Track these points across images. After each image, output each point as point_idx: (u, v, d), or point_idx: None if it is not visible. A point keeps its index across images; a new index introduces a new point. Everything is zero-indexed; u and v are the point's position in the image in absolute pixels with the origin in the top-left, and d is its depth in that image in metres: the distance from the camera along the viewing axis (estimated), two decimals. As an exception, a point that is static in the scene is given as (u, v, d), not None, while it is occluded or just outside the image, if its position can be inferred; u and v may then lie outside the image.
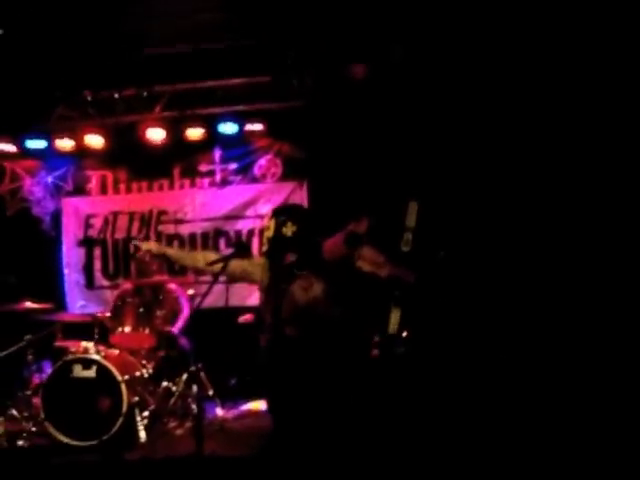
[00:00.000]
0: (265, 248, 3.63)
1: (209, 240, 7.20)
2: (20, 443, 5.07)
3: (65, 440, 5.00)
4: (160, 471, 4.65)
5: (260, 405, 6.23)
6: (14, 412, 5.45)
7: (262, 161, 7.19)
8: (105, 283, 7.38)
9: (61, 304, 7.05)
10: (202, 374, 5.87)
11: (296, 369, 3.47)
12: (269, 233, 3.59)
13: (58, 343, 5.73)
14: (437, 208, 4.77)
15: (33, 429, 5.16)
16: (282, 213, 3.67)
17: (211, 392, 5.86)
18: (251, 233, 7.14)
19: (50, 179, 7.52)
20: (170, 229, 7.29)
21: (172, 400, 5.69)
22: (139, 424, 5.13)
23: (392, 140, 6.20)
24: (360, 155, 6.43)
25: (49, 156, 7.39)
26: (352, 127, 6.44)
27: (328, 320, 3.49)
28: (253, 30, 6.19)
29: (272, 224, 3.59)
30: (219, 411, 5.86)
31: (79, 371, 5.11)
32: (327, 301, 3.52)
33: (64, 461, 4.76)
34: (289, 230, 3.54)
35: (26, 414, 5.39)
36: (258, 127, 6.94)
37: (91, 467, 4.71)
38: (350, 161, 6.54)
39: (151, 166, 7.34)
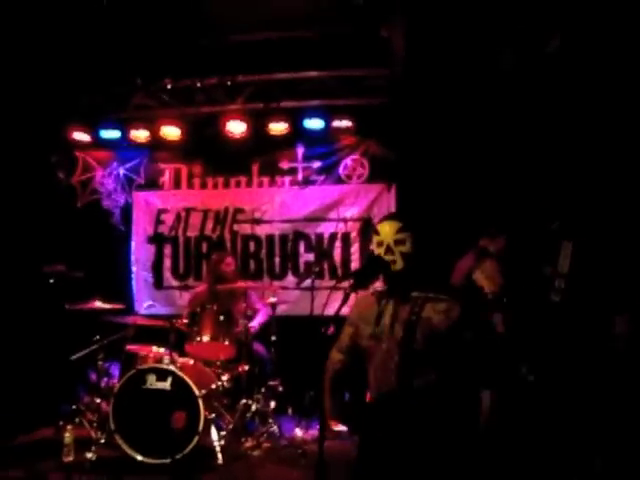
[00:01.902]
0: (400, 266, 3.04)
1: (288, 243, 6.74)
2: (89, 455, 4.63)
3: (136, 456, 4.57)
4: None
5: (338, 425, 5.73)
6: (82, 419, 5.05)
7: (348, 161, 6.71)
8: (174, 283, 6.96)
9: (128, 302, 6.67)
10: (281, 389, 5.41)
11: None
12: (405, 249, 2.99)
13: (128, 347, 5.30)
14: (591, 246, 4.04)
15: (102, 440, 4.73)
16: (414, 227, 3.12)
17: (290, 410, 5.38)
18: (333, 237, 6.66)
19: (122, 171, 7.17)
20: (246, 229, 6.84)
21: (249, 416, 5.24)
22: (215, 443, 4.66)
23: (506, 145, 5.58)
24: (459, 160, 5.87)
25: (122, 147, 7.05)
26: (452, 127, 5.88)
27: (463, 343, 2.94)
28: (346, 19, 5.70)
29: (408, 238, 3.01)
30: (297, 431, 5.38)
31: (153, 381, 4.68)
32: (464, 324, 2.96)
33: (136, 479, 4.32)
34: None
35: (94, 422, 4.99)
36: (346, 124, 6.50)
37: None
38: (446, 165, 6.01)
39: (229, 161, 6.91)
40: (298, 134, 6.63)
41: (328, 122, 6.45)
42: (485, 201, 5.60)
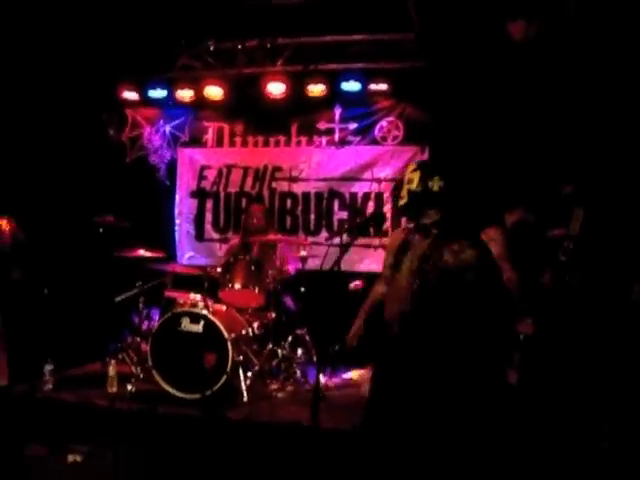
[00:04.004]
0: (404, 201, 3.34)
1: (323, 201, 7.01)
2: (129, 387, 5.11)
3: (170, 390, 4.99)
4: (261, 434, 4.56)
5: (362, 375, 6.07)
6: (124, 356, 5.53)
7: (383, 123, 6.88)
8: (215, 236, 7.35)
9: (171, 253, 7.10)
10: (307, 338, 5.75)
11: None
12: (412, 186, 3.28)
13: (167, 293, 5.72)
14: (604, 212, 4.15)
15: (141, 375, 5.20)
16: (430, 166, 3.38)
17: (315, 358, 5.72)
18: (367, 197, 6.89)
19: (168, 128, 7.52)
20: (284, 186, 7.13)
21: (276, 362, 5.61)
22: (242, 383, 5.05)
23: (538, 112, 5.65)
24: (494, 125, 5.97)
25: (168, 106, 7.38)
26: (488, 92, 5.97)
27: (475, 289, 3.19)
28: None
29: (416, 176, 3.29)
30: (321, 378, 5.71)
31: (187, 324, 5.07)
32: (478, 270, 3.19)
33: (169, 411, 4.75)
34: (435, 185, 3.24)
35: (135, 359, 5.47)
36: (382, 87, 6.65)
37: (194, 421, 4.69)
38: (480, 130, 6.11)
39: (268, 121, 7.18)
40: (336, 96, 6.82)
41: (365, 85, 6.62)
42: (513, 165, 5.73)
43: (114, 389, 5.20)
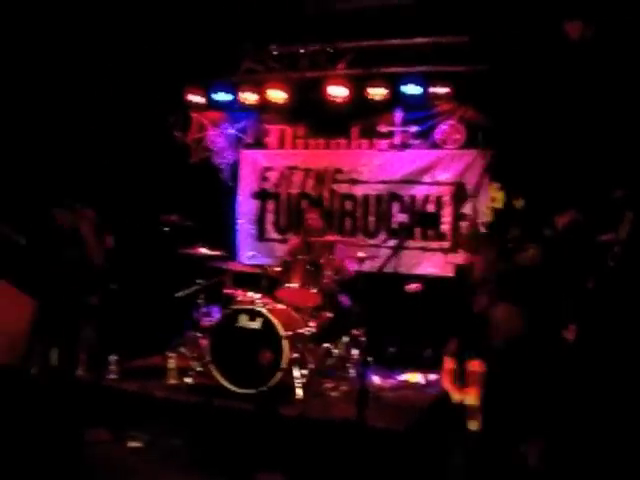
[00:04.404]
0: (488, 219, 3.50)
1: (382, 203, 7.06)
2: (187, 380, 5.28)
3: (226, 385, 5.13)
4: (314, 430, 4.64)
5: (416, 378, 6.08)
6: (184, 350, 5.71)
7: (444, 126, 6.87)
8: (275, 236, 7.50)
9: (232, 252, 7.27)
10: (363, 339, 5.80)
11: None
12: (496, 204, 3.44)
13: (227, 290, 5.87)
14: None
15: (199, 369, 5.36)
16: (513, 186, 3.51)
17: (370, 359, 5.75)
18: (426, 199, 6.89)
19: (232, 131, 7.72)
20: (344, 188, 7.22)
21: (331, 361, 5.68)
22: (297, 381, 5.14)
23: (602, 115, 5.56)
24: (555, 129, 5.90)
25: (232, 108, 7.58)
26: (551, 96, 5.90)
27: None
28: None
29: (500, 195, 3.43)
30: (376, 379, 5.76)
31: (245, 321, 5.19)
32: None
33: (224, 404, 4.89)
34: (519, 203, 3.38)
35: (194, 353, 5.63)
36: (443, 90, 6.63)
37: (248, 415, 4.81)
38: (542, 134, 6.04)
39: (330, 124, 7.28)
40: (396, 99, 6.85)
41: (426, 88, 6.63)
42: (572, 169, 5.65)
43: (173, 381, 5.38)
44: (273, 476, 4.35)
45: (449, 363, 5.58)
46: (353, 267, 6.09)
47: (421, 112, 6.94)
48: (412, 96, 6.73)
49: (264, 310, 5.17)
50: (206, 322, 5.83)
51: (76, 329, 5.57)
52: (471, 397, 5.19)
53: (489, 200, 3.57)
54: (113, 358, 5.53)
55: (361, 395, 3.56)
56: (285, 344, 5.03)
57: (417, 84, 6.63)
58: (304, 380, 5.22)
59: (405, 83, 6.65)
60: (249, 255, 7.36)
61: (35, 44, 6.31)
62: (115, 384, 5.40)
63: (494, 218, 3.48)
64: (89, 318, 5.77)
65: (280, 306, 5.50)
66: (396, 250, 3.87)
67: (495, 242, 3.64)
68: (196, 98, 7.47)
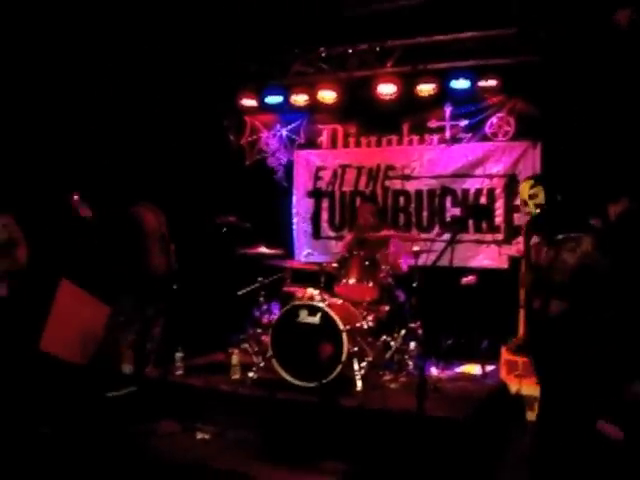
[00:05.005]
0: (532, 215, 3.55)
1: (435, 198, 7.14)
2: (250, 375, 5.48)
3: (288, 378, 5.29)
4: (374, 421, 4.76)
5: (474, 369, 6.14)
6: (246, 346, 5.92)
7: (494, 119, 6.91)
8: (331, 234, 7.67)
9: (289, 250, 7.46)
10: (420, 331, 5.89)
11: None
12: (537, 200, 3.49)
13: (286, 288, 6.05)
14: None
15: (262, 364, 5.55)
16: (551, 180, 3.58)
17: (428, 351, 5.85)
18: (479, 192, 6.94)
19: (284, 132, 7.91)
20: (397, 185, 7.32)
21: (389, 354, 5.79)
22: (356, 373, 5.27)
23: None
24: (605, 118, 5.87)
25: (284, 110, 7.79)
26: (602, 84, 5.88)
27: (599, 272, 3.31)
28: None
29: (540, 191, 3.49)
30: (433, 370, 5.84)
31: (305, 316, 5.34)
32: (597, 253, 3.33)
33: (287, 397, 5.07)
34: (559, 197, 3.46)
35: (256, 349, 5.83)
36: (492, 83, 6.68)
37: (310, 407, 4.98)
38: (594, 124, 6.02)
39: (380, 121, 7.40)
40: (445, 94, 6.93)
41: (475, 82, 6.69)
42: (617, 155, 5.63)
43: (236, 376, 5.58)
44: (337, 464, 4.50)
45: (506, 354, 5.64)
46: (408, 262, 6.18)
47: (471, 106, 6.99)
48: (461, 90, 6.79)
49: (323, 305, 5.32)
50: (267, 319, 6.02)
51: (148, 328, 5.83)
52: (529, 387, 5.25)
53: (526, 197, 3.59)
54: (179, 355, 5.76)
55: (421, 386, 3.65)
56: (345, 338, 5.16)
57: (466, 78, 6.69)
58: (363, 373, 5.35)
59: (454, 78, 6.72)
60: (305, 253, 7.53)
61: (99, 47, 6.58)
62: (181, 380, 5.64)
63: (537, 214, 3.52)
64: (158, 318, 6.04)
65: (338, 301, 5.64)
66: (450, 244, 3.92)
67: (543, 237, 3.66)
68: (249, 102, 7.69)
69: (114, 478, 4.35)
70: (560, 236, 3.51)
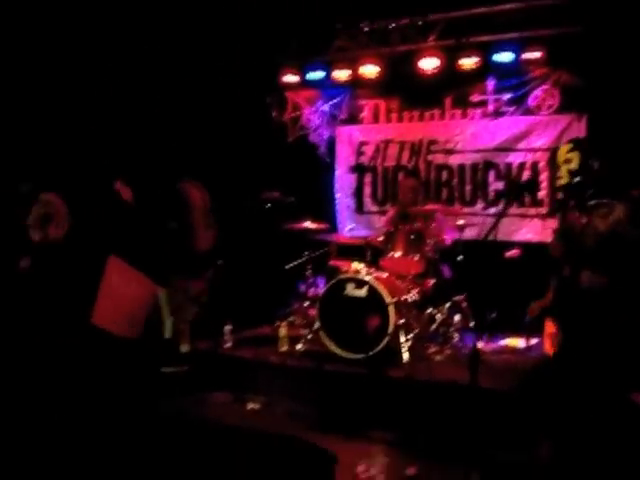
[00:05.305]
0: (563, 181, 3.51)
1: (478, 172, 7.12)
2: (298, 347, 5.61)
3: (336, 350, 5.42)
4: (421, 391, 4.87)
5: (517, 342, 6.18)
6: (293, 319, 6.06)
7: (538, 92, 6.82)
8: (373, 208, 7.72)
9: (332, 225, 7.53)
10: (465, 305, 5.96)
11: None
12: (571, 165, 3.46)
13: (331, 262, 6.16)
14: None
15: (309, 336, 5.67)
16: (588, 145, 3.54)
17: (472, 324, 5.92)
18: (522, 166, 6.90)
19: (326, 108, 7.94)
20: (439, 159, 7.33)
21: (434, 326, 5.87)
22: (402, 345, 5.37)
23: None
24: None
25: (326, 86, 7.80)
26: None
27: (629, 241, 3.32)
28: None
29: (575, 156, 3.45)
30: (478, 343, 5.90)
31: (351, 290, 5.45)
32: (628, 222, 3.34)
33: (335, 369, 5.20)
34: (595, 163, 3.41)
35: (303, 322, 5.96)
36: (536, 55, 6.58)
37: (358, 378, 5.10)
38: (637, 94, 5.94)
39: (423, 96, 7.38)
40: (488, 67, 6.86)
41: (518, 54, 6.60)
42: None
43: (284, 348, 5.74)
44: (384, 434, 4.62)
45: (550, 327, 5.66)
46: (453, 235, 6.22)
47: (514, 79, 6.91)
48: (504, 63, 6.73)
49: (370, 279, 5.41)
50: (313, 292, 6.14)
51: (198, 305, 5.98)
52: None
53: (561, 162, 3.56)
54: (228, 328, 5.93)
55: (473, 357, 3.73)
56: (391, 310, 5.27)
57: (509, 51, 6.62)
58: (409, 345, 5.44)
59: (497, 51, 6.67)
60: (349, 228, 7.60)
61: (142, 26, 6.67)
62: (231, 352, 5.81)
63: (570, 179, 3.49)
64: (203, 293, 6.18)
65: (384, 274, 5.73)
66: (500, 216, 3.97)
67: (574, 205, 3.62)
68: (291, 78, 7.74)
69: (165, 443, 4.52)
70: (593, 202, 3.51)
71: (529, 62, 6.70)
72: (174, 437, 4.43)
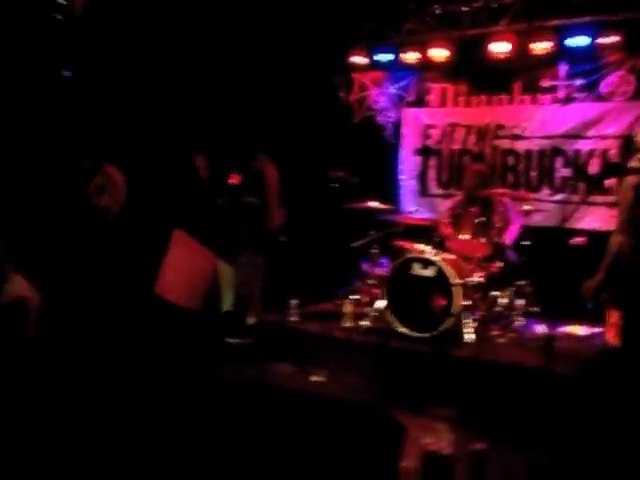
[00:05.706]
0: (636, 164, 3.51)
1: (545, 158, 7.06)
2: (362, 323, 5.72)
3: (400, 328, 5.51)
4: (486, 371, 4.93)
5: (579, 330, 6.17)
6: (357, 297, 6.17)
7: (612, 78, 6.70)
8: (438, 192, 7.74)
9: (396, 207, 7.59)
10: (529, 290, 5.97)
11: None
12: None
13: (396, 242, 6.23)
14: None
15: (374, 314, 5.77)
16: None
17: (536, 309, 5.93)
18: (591, 154, 6.81)
19: (393, 90, 7.98)
20: (506, 144, 7.29)
21: (497, 310, 5.90)
22: (467, 326, 5.43)
23: None
24: None
25: (394, 68, 7.84)
26: None
27: None
28: None
29: None
30: (541, 329, 5.92)
31: (418, 269, 5.52)
32: None
33: (400, 346, 5.29)
34: None
35: (367, 300, 6.06)
36: (613, 39, 6.43)
37: (422, 356, 5.19)
38: None
39: (492, 80, 7.33)
40: (561, 52, 6.77)
41: (594, 39, 6.49)
42: None
43: (349, 324, 5.85)
44: (447, 411, 4.71)
45: (614, 316, 5.63)
46: (520, 220, 6.22)
47: (588, 64, 6.80)
48: (578, 48, 6.62)
49: (438, 259, 5.47)
50: (378, 271, 6.23)
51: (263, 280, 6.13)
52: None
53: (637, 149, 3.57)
54: (294, 302, 6.07)
55: (549, 341, 3.78)
56: (456, 291, 5.33)
57: (584, 35, 6.51)
58: (473, 326, 5.50)
59: (571, 35, 6.57)
60: (412, 210, 7.66)
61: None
62: (297, 325, 5.96)
63: None
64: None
65: (450, 256, 5.78)
66: (583, 203, 3.96)
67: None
68: (359, 59, 7.80)
69: (227, 407, 4.69)
70: None
71: (604, 47, 6.58)
72: (241, 401, 4.63)
